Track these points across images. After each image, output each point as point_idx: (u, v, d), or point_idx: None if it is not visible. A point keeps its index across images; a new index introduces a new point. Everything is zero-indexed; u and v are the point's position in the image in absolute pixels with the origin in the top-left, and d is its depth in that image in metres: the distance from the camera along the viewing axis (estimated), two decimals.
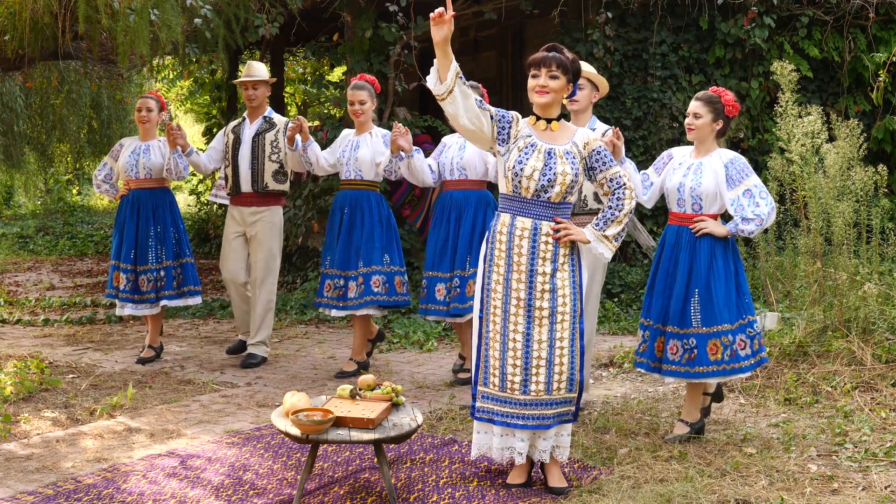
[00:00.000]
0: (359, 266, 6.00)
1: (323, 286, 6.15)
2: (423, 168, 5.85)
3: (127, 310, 6.48)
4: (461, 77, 3.84)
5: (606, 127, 5.29)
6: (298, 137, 6.12)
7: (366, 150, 6.05)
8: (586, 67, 5.27)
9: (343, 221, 6.08)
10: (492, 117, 3.96)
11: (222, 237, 6.67)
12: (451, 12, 3.76)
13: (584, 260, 4.16)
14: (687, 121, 4.80)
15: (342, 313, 6.12)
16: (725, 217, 4.79)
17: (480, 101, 3.95)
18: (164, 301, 6.51)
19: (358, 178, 6.08)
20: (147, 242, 6.44)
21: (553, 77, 3.93)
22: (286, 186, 6.47)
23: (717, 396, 4.98)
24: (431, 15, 3.75)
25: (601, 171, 3.99)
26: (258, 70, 6.48)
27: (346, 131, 6.30)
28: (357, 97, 6.06)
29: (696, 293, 4.64)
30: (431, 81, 3.87)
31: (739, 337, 4.64)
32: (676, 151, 4.94)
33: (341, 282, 6.06)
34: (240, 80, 6.50)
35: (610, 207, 4.01)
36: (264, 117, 6.48)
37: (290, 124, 6.14)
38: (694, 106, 4.77)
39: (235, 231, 6.49)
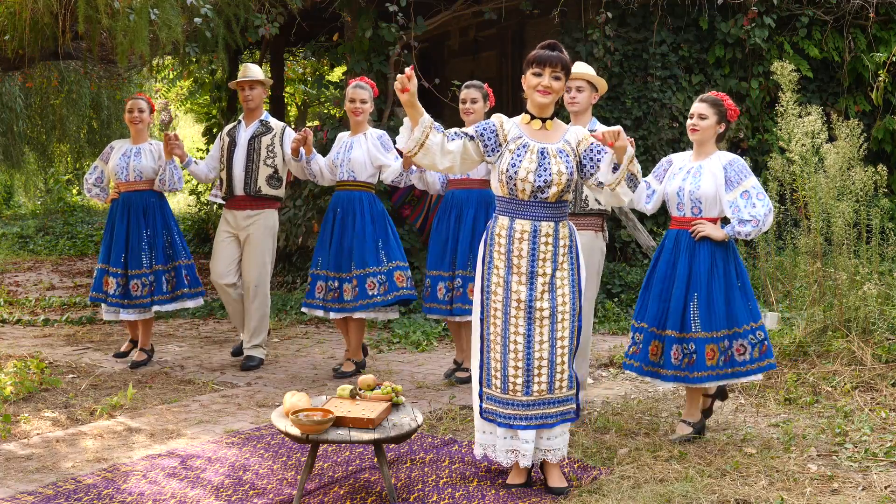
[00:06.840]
0: (352, 268, 5.95)
1: (314, 287, 6.12)
2: (434, 179, 5.95)
3: (120, 315, 6.34)
4: (436, 126, 3.86)
5: (606, 128, 5.28)
6: (303, 150, 6.10)
7: (359, 151, 6.02)
8: (585, 69, 5.22)
9: (335, 223, 6.05)
10: (472, 138, 3.95)
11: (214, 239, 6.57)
12: (413, 81, 3.77)
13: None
14: (692, 122, 4.71)
15: (339, 315, 6.05)
16: (728, 221, 4.72)
17: (454, 133, 3.94)
18: (157, 306, 6.36)
19: (350, 178, 6.05)
20: (139, 246, 6.29)
21: (556, 78, 3.92)
22: (280, 192, 6.39)
23: (721, 395, 4.95)
24: (396, 87, 3.75)
25: (593, 173, 3.97)
26: (254, 71, 6.41)
27: (341, 134, 6.29)
28: (359, 95, 6.05)
29: (695, 297, 4.57)
30: (403, 139, 3.91)
31: (739, 342, 4.58)
32: (676, 157, 4.87)
33: (335, 283, 6.02)
34: (236, 81, 6.44)
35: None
36: (261, 121, 6.38)
37: (296, 135, 6.09)
38: (700, 107, 4.68)
39: (227, 233, 6.38)
